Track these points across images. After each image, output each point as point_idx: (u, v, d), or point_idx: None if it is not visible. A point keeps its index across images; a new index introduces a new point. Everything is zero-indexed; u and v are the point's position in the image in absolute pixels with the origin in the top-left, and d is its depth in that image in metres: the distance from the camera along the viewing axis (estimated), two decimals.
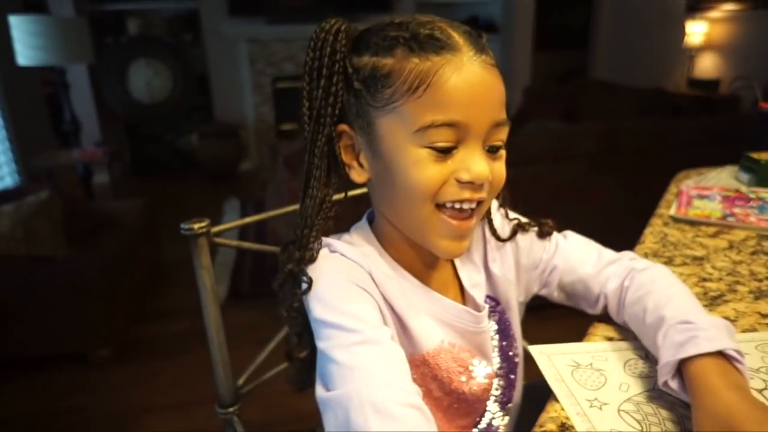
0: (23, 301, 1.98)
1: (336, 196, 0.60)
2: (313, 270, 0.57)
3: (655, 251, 0.90)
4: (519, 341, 0.72)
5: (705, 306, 0.67)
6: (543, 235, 0.70)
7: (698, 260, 0.86)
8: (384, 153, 0.54)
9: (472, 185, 0.53)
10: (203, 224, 0.74)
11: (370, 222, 0.65)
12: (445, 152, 0.52)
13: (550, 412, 0.54)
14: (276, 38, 4.65)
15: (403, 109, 0.51)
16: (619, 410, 0.54)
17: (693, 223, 1.02)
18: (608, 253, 0.72)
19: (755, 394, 0.53)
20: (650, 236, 0.96)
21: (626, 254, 0.72)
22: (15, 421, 1.82)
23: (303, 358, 0.62)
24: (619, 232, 1.07)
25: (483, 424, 0.68)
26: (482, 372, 0.65)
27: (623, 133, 2.42)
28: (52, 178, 3.16)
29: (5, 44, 2.99)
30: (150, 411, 1.83)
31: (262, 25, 4.52)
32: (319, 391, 0.49)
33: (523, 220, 0.71)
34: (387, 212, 0.60)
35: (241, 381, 0.80)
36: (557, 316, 1.10)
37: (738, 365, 0.50)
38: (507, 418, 0.70)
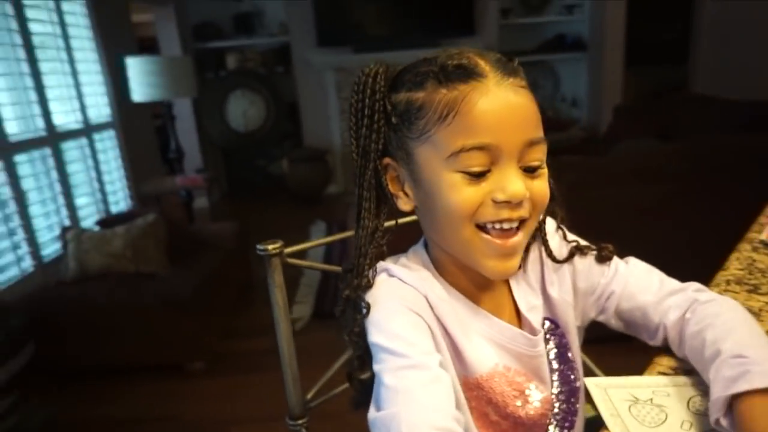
0: (129, 314, 2.19)
1: (387, 223, 0.64)
2: (371, 295, 0.60)
3: (739, 278, 0.84)
4: (579, 365, 0.70)
5: None
6: (602, 259, 0.69)
7: None
8: (424, 180, 0.58)
9: (509, 204, 0.55)
10: (277, 245, 0.79)
11: (426, 246, 0.67)
12: (478, 175, 0.54)
13: None
14: (361, 66, 4.81)
15: (435, 137, 0.55)
16: None
17: None
18: (671, 283, 0.69)
19: None
20: (735, 262, 0.89)
21: (692, 285, 0.68)
22: (117, 425, 2.00)
23: (362, 380, 0.65)
24: (708, 258, 1.00)
25: None
26: (538, 396, 0.64)
27: (717, 150, 2.26)
28: (158, 203, 3.47)
29: (123, 83, 3.36)
30: (237, 423, 1.94)
31: (349, 54, 4.72)
32: (371, 411, 0.52)
33: (582, 242, 0.70)
34: (434, 237, 0.63)
35: (309, 395, 0.85)
36: (617, 353, 1.05)
37: None
38: None
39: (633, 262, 0.71)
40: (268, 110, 4.93)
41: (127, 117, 3.62)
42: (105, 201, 3.32)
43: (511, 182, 0.54)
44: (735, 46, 4.69)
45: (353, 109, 0.61)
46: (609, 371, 0.66)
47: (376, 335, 0.56)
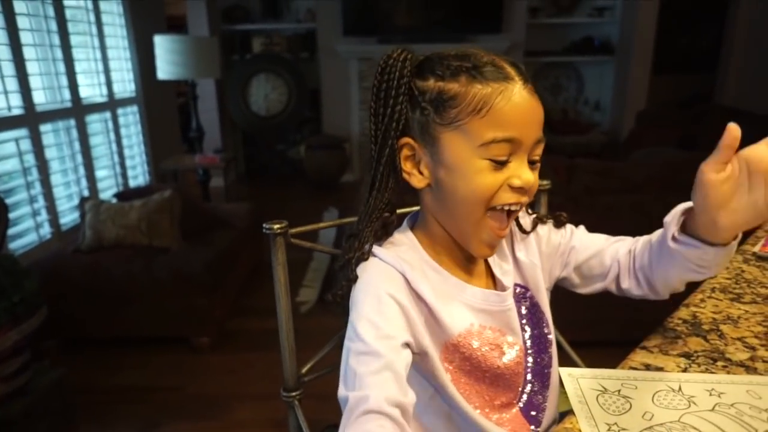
0: (142, 286, 2.24)
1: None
2: (362, 268, 0.66)
3: (724, 287, 0.85)
4: (550, 321, 0.77)
5: (763, 345, 0.67)
6: (559, 224, 0.79)
7: None
8: (447, 163, 0.63)
9: (521, 190, 0.63)
10: (282, 225, 0.82)
11: (411, 226, 0.74)
12: (501, 163, 0.62)
13: (566, 423, 0.55)
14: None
15: (467, 126, 0.61)
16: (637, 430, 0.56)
17: None
18: (614, 237, 0.81)
19: None
20: (725, 271, 0.91)
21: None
22: (122, 392, 2.06)
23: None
24: None
25: (524, 398, 0.72)
26: (513, 347, 0.70)
27: None
28: (176, 180, 3.53)
29: (149, 60, 3.42)
30: (239, 398, 1.98)
31: (374, 44, 4.73)
32: (340, 388, 0.58)
33: (541, 213, 0.81)
34: (440, 214, 0.68)
35: (304, 370, 0.87)
36: (599, 357, 1.07)
37: None
38: (549, 397, 0.73)
39: (581, 227, 0.82)
40: (290, 95, 4.96)
41: (152, 94, 3.68)
42: (124, 175, 3.38)
43: (524, 172, 0.62)
44: (765, 59, 4.59)
45: (376, 89, 0.65)
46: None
47: (351, 312, 0.63)
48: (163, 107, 3.91)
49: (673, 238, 0.63)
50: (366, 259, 0.67)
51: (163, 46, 3.26)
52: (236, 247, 2.67)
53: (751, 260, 0.98)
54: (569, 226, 0.80)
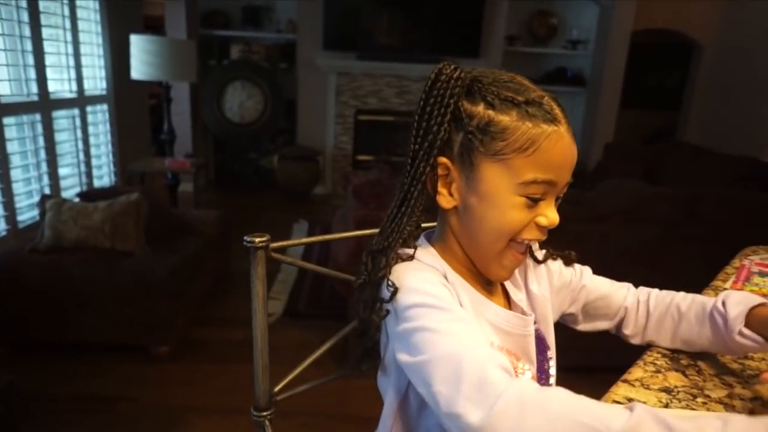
0: (101, 290, 2.15)
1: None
2: (394, 276, 0.63)
3: None
4: (554, 355, 0.77)
5: (739, 383, 0.68)
6: (569, 262, 0.81)
7: None
8: (482, 191, 0.63)
9: (545, 229, 0.65)
10: (264, 239, 0.80)
11: (429, 242, 0.72)
12: (536, 201, 0.63)
13: None
14: (363, 73, 4.86)
15: (511, 162, 0.61)
16: None
17: None
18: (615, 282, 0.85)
19: None
20: None
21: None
22: (74, 401, 1.96)
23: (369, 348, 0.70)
24: None
25: None
26: (528, 375, 0.70)
27: (704, 200, 2.31)
28: (143, 182, 3.44)
29: (124, 59, 3.33)
30: (197, 411, 1.91)
31: (353, 59, 4.75)
32: (405, 357, 0.57)
33: (551, 250, 0.81)
34: (463, 236, 0.68)
35: (277, 389, 0.84)
36: (582, 385, 1.07)
37: None
38: None
39: (587, 268, 0.84)
40: (266, 104, 4.91)
41: (123, 93, 3.59)
42: (89, 174, 3.27)
43: (552, 212, 0.64)
44: (728, 99, 4.81)
45: (423, 103, 0.64)
46: None
47: (412, 297, 0.60)
48: (134, 107, 3.82)
49: (740, 333, 0.69)
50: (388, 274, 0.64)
51: (138, 45, 3.19)
52: (202, 255, 2.60)
53: None
54: (577, 265, 0.82)
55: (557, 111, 0.62)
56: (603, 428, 0.44)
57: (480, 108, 0.62)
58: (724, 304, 0.72)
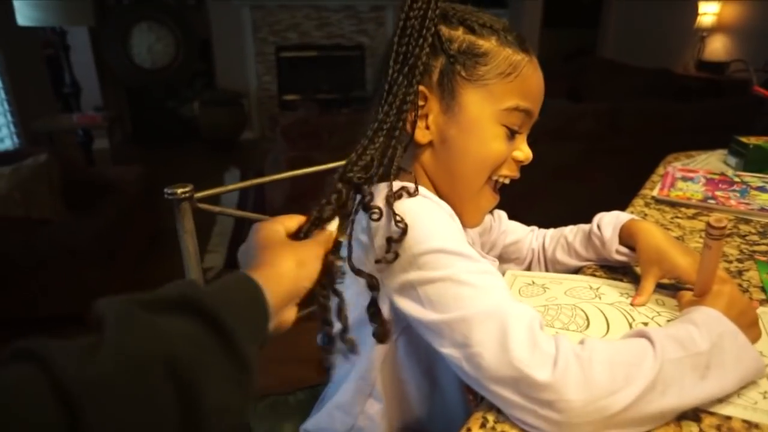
0: (23, 263, 2.00)
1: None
2: (409, 210, 0.55)
3: None
4: None
5: (672, 284, 0.71)
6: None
7: None
8: (463, 121, 0.60)
9: (520, 164, 0.65)
10: (186, 189, 0.75)
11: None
12: (514, 133, 0.62)
13: None
14: (279, 5, 4.59)
15: (493, 87, 0.60)
16: (536, 305, 0.68)
17: (673, 205, 1.03)
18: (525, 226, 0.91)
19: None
20: (630, 215, 0.97)
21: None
22: None
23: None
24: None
25: None
26: None
27: (624, 113, 2.40)
28: (51, 142, 3.16)
29: (7, 3, 2.96)
30: None
31: None
32: (425, 313, 0.52)
33: None
34: (438, 175, 0.64)
35: None
36: None
37: None
38: None
39: (503, 213, 0.88)
40: (177, 46, 4.56)
41: (11, 43, 3.21)
42: None
43: (526, 147, 0.64)
44: (642, 13, 4.93)
45: (401, 29, 0.58)
46: None
47: (424, 240, 0.53)
48: (27, 59, 3.43)
49: (617, 251, 0.75)
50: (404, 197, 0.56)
51: None
52: (129, 215, 2.46)
53: (651, 204, 1.05)
54: (496, 210, 0.83)
55: (528, 45, 0.63)
56: (640, 363, 0.46)
57: (459, 32, 0.61)
58: (599, 227, 0.77)
